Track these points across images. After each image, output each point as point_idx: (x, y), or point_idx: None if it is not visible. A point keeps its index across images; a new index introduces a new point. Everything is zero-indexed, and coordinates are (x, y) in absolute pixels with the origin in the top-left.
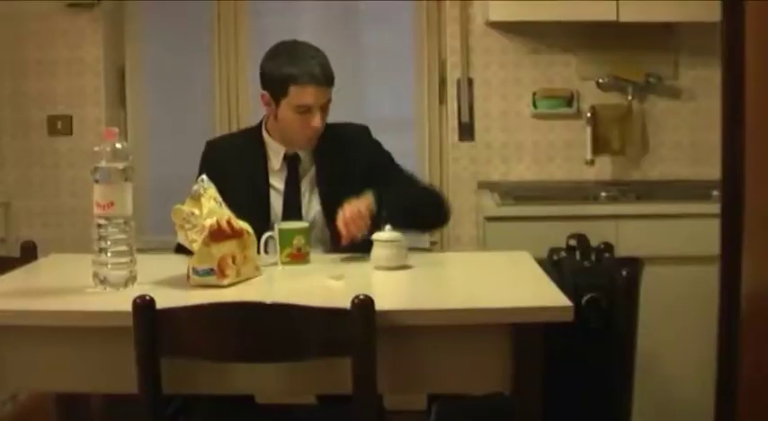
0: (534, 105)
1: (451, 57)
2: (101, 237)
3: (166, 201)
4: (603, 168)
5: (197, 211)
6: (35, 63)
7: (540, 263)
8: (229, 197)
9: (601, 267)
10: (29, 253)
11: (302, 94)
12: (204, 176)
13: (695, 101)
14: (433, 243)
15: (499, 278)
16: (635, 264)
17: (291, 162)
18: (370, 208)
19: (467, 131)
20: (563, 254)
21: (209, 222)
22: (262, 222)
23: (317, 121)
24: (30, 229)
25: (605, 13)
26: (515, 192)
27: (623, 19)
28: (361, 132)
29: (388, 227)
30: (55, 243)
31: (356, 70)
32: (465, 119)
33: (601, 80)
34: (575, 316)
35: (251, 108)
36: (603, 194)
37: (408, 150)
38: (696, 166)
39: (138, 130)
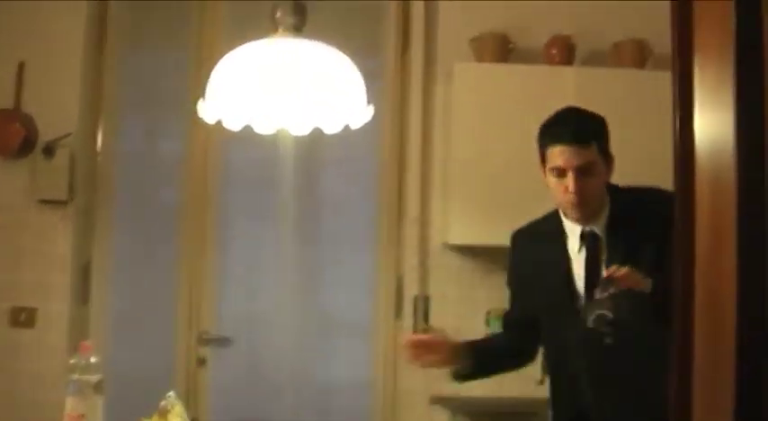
0: (488, 324)
1: (409, 273)
2: None
3: (124, 400)
4: None
5: None
6: (2, 255)
7: None
8: (536, 285)
9: None
10: None
11: (554, 155)
12: (172, 393)
13: None
14: None
15: None
16: None
17: (591, 241)
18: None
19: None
20: None
21: None
22: (569, 314)
23: (571, 185)
24: None
25: None
26: (467, 408)
27: None
28: (661, 199)
29: None
30: None
31: (318, 279)
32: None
33: None
34: None
35: (216, 309)
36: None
37: (363, 359)
38: None
39: (100, 327)
